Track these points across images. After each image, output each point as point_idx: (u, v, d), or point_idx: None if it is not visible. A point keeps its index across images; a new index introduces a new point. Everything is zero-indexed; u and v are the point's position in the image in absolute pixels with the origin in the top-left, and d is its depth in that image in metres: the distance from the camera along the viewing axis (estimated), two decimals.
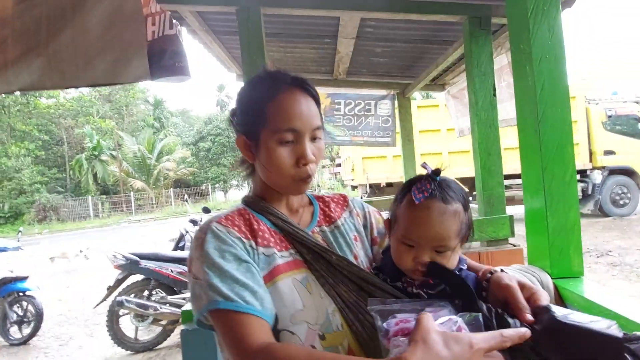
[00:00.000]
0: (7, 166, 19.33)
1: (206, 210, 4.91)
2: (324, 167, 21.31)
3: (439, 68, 2.77)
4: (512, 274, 0.72)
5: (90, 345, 3.92)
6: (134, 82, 1.78)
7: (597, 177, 7.71)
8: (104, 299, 3.73)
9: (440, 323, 0.55)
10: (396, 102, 3.84)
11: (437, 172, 0.68)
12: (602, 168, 7.79)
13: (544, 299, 0.63)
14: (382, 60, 3.06)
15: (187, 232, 4.42)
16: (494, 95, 1.90)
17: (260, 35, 1.95)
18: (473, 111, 1.95)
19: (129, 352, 3.64)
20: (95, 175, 22.42)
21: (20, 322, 4.03)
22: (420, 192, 0.67)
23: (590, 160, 7.90)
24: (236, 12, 1.92)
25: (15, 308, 4.01)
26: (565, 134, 1.40)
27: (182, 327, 1.41)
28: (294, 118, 0.71)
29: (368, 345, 0.67)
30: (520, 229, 2.07)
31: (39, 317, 4.05)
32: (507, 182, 7.78)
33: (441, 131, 8.09)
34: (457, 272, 0.71)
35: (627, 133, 7.98)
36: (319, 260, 0.72)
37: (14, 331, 4.03)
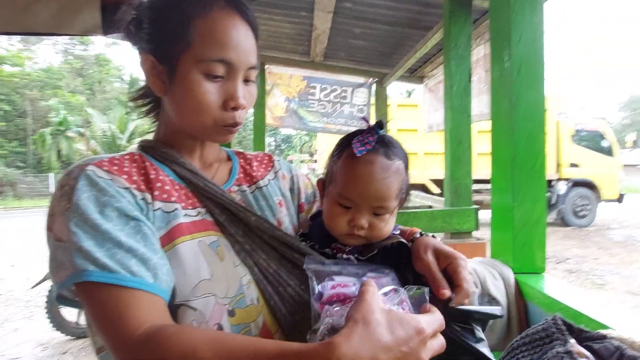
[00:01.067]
0: None
1: None
2: (302, 161, 21.13)
3: (417, 55, 2.67)
4: (431, 240, 0.62)
5: (27, 329, 3.60)
6: (83, 35, 1.55)
7: (562, 187, 7.99)
8: (44, 279, 3.41)
9: (383, 293, 0.47)
10: (373, 92, 3.74)
11: (379, 124, 0.61)
12: (567, 179, 8.09)
13: (462, 266, 0.58)
14: (360, 43, 2.93)
15: None
16: (469, 81, 1.81)
17: None
18: (447, 97, 1.85)
19: (69, 337, 3.36)
20: (59, 152, 21.17)
21: None
22: (363, 144, 0.58)
23: (557, 171, 8.18)
24: None
25: None
26: (538, 120, 1.32)
27: None
28: (229, 47, 0.56)
29: (287, 321, 0.57)
30: (486, 232, 2.03)
31: None
32: (477, 186, 7.96)
33: (418, 131, 8.14)
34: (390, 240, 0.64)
35: (591, 148, 8.32)
36: (235, 222, 0.60)
37: None
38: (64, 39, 24.74)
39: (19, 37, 22.99)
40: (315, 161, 11.33)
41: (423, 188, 8.00)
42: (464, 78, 1.79)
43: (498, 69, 1.45)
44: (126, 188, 0.53)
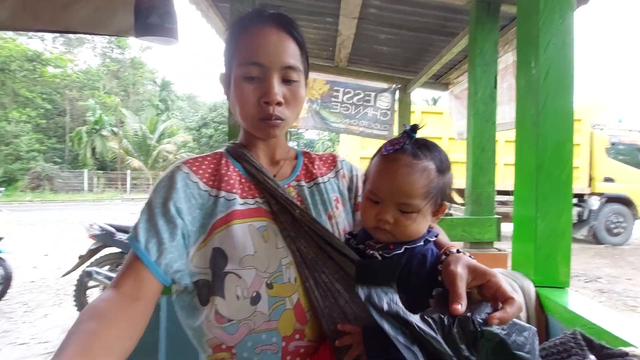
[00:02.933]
0: (6, 130, 19.18)
1: None
2: None
3: (442, 61, 2.64)
4: (467, 258, 0.60)
5: (56, 315, 3.79)
6: (116, 36, 1.64)
7: (594, 203, 7.59)
8: (74, 269, 3.59)
9: None
10: (397, 97, 3.71)
11: (414, 128, 0.64)
12: (600, 194, 7.67)
13: (503, 282, 0.55)
14: (385, 49, 2.93)
15: None
16: (495, 87, 1.78)
17: (254, 3, 1.82)
18: (471, 103, 1.82)
19: None
20: (93, 150, 22.27)
21: None
22: (392, 144, 0.64)
23: (589, 186, 7.77)
24: None
25: None
26: (566, 129, 1.27)
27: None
28: (260, 51, 0.66)
29: (318, 303, 0.63)
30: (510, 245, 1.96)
31: (7, 280, 3.91)
32: (503, 197, 7.64)
33: (443, 139, 7.98)
34: (421, 244, 0.64)
35: (628, 162, 7.87)
36: (285, 212, 0.69)
37: None
38: (103, 43, 26.14)
39: (61, 40, 24.49)
40: None
41: None
42: (489, 85, 1.75)
43: (524, 75, 1.41)
44: (195, 182, 0.68)
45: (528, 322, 1.26)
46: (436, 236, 0.68)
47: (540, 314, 1.26)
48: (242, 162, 0.73)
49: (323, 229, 0.68)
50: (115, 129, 22.48)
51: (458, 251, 0.63)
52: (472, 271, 0.57)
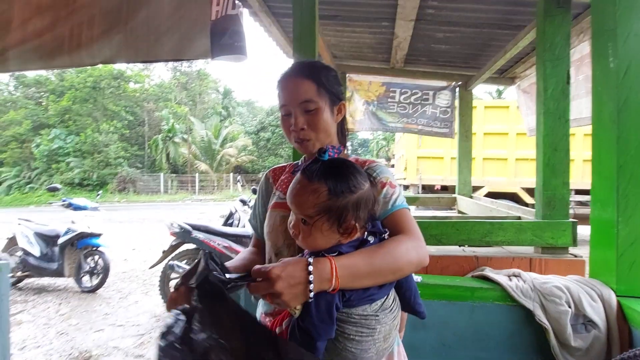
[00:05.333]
0: (99, 141, 22.06)
1: (255, 192, 5.12)
2: None
3: (507, 56, 2.51)
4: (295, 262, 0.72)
5: (145, 302, 4.32)
6: (195, 59, 1.87)
7: None
8: (159, 262, 4.06)
9: None
10: (457, 95, 3.58)
11: (320, 151, 0.76)
12: None
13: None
14: (443, 47, 2.86)
15: (236, 210, 4.63)
16: (568, 83, 1.67)
17: (313, 15, 1.92)
18: (540, 100, 1.73)
19: None
20: (167, 155, 24.60)
21: (91, 273, 4.59)
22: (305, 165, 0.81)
23: None
24: None
25: (88, 260, 4.56)
26: None
27: None
28: (284, 96, 0.93)
29: None
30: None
31: (106, 270, 4.56)
32: (582, 197, 6.84)
33: (509, 135, 7.42)
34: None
35: None
36: None
37: (86, 280, 4.59)
38: None
39: None
40: (393, 166, 11.11)
41: (513, 198, 7.25)
42: (561, 80, 1.65)
43: (601, 69, 1.32)
44: (268, 180, 1.07)
45: (608, 332, 1.18)
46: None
47: (623, 325, 1.18)
48: (297, 168, 1.02)
49: None
50: (185, 136, 24.61)
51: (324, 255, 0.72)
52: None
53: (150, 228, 9.31)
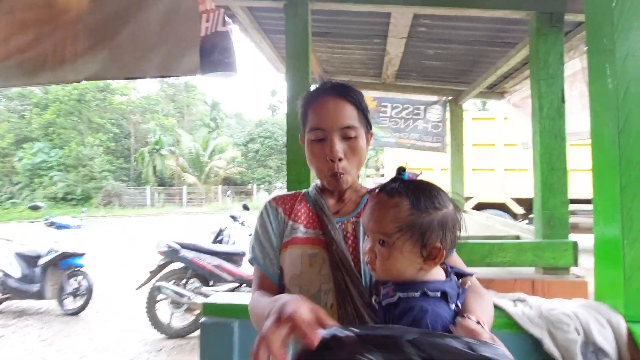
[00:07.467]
0: (83, 154, 21.59)
1: (246, 207, 5.02)
2: (368, 176, 20.97)
3: (498, 72, 2.53)
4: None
5: (130, 324, 4.13)
6: (184, 76, 1.82)
7: None
8: (145, 282, 3.90)
9: None
10: (448, 110, 3.60)
11: (399, 170, 0.70)
12: None
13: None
14: (434, 63, 2.87)
15: (226, 227, 4.52)
16: (562, 101, 1.66)
17: (306, 32, 1.90)
18: (536, 119, 1.72)
19: (163, 335, 3.77)
20: (154, 168, 24.22)
21: (74, 295, 4.38)
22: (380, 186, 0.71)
23: None
24: (284, 7, 1.89)
25: (71, 281, 4.36)
26: None
27: (202, 319, 1.38)
28: (321, 118, 0.80)
29: None
30: (584, 261, 1.78)
31: (90, 292, 4.36)
32: (571, 207, 7.02)
33: (496, 146, 7.53)
34: (416, 294, 0.63)
35: None
36: (332, 245, 0.80)
37: (69, 302, 4.38)
38: None
39: None
40: (382, 175, 11.13)
41: (502, 208, 7.32)
42: (556, 99, 1.64)
43: (598, 89, 1.31)
44: (277, 212, 0.89)
45: None
46: (452, 296, 0.64)
47: (635, 354, 1.14)
48: (314, 200, 0.88)
49: (349, 267, 0.77)
50: (172, 148, 24.31)
51: (478, 322, 0.61)
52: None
53: (136, 243, 9.04)
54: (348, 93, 0.82)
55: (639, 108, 1.19)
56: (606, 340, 1.16)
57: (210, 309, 1.37)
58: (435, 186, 0.68)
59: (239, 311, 1.38)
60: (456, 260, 0.79)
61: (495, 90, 3.25)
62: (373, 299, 0.70)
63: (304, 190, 0.93)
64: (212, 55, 1.79)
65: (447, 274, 0.69)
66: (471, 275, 0.71)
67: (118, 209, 20.78)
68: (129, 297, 5.06)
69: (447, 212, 0.66)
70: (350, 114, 0.80)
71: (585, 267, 1.72)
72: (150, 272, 3.87)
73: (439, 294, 0.63)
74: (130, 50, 1.83)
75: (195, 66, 1.77)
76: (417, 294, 0.62)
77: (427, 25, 2.22)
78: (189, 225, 12.80)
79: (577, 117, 2.09)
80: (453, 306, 0.64)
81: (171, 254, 3.78)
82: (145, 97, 27.16)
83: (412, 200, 0.65)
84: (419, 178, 0.70)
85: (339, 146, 0.79)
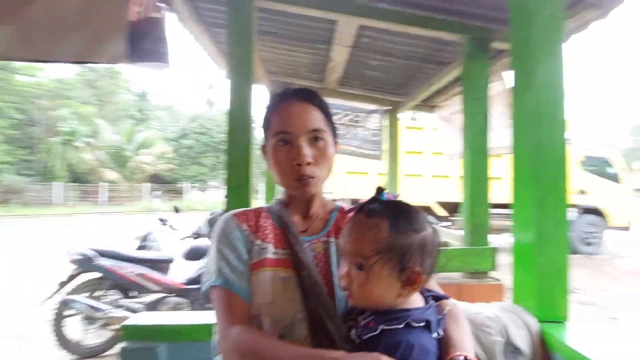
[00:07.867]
0: None
1: (176, 209, 4.65)
2: None
3: (432, 88, 2.71)
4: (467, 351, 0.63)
5: (32, 345, 3.55)
6: (107, 64, 1.60)
7: (572, 215, 7.92)
8: (52, 295, 3.38)
9: None
10: (385, 119, 3.76)
11: (379, 190, 0.69)
12: (575, 206, 8.02)
13: None
14: (376, 74, 2.98)
15: (153, 231, 4.13)
16: (486, 120, 1.83)
17: (249, 30, 1.81)
18: (466, 136, 1.87)
19: (74, 356, 3.30)
20: (66, 161, 21.38)
21: None
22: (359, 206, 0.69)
23: None
24: (226, 1, 1.78)
25: None
26: (562, 165, 1.33)
27: (122, 343, 1.21)
28: (287, 122, 0.77)
29: None
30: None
31: None
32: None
33: (424, 154, 8.15)
34: (400, 326, 0.60)
35: (599, 174, 8.29)
36: (302, 269, 0.74)
37: None
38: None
39: None
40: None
41: (428, 210, 7.95)
42: (483, 118, 1.81)
43: (520, 110, 1.45)
44: (243, 230, 0.79)
45: (533, 359, 1.27)
46: (434, 325, 0.63)
47: (544, 352, 1.28)
48: (278, 216, 0.81)
49: (320, 292, 0.71)
50: (89, 140, 21.70)
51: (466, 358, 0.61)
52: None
53: (43, 250, 7.83)
54: (314, 97, 0.80)
55: (554, 128, 1.35)
56: (522, 341, 1.29)
57: (131, 331, 1.21)
58: (415, 208, 0.66)
59: (165, 333, 1.24)
60: (430, 281, 0.77)
61: (428, 104, 3.49)
62: (352, 333, 0.65)
63: (265, 206, 0.86)
64: (143, 43, 1.61)
65: (425, 299, 0.67)
66: (447, 298, 0.71)
67: (18, 207, 17.90)
68: (35, 313, 4.36)
69: (427, 234, 0.64)
70: (317, 118, 0.78)
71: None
72: (60, 284, 3.36)
73: (422, 324, 0.61)
74: (43, 29, 1.56)
75: (121, 54, 1.56)
76: (401, 326, 0.59)
77: (371, 37, 2.28)
78: (108, 228, 11.52)
79: (495, 134, 2.33)
80: (435, 334, 0.62)
81: (85, 263, 3.32)
82: (57, 80, 23.82)
83: (391, 222, 0.63)
84: (397, 199, 0.68)
85: (307, 150, 0.75)
